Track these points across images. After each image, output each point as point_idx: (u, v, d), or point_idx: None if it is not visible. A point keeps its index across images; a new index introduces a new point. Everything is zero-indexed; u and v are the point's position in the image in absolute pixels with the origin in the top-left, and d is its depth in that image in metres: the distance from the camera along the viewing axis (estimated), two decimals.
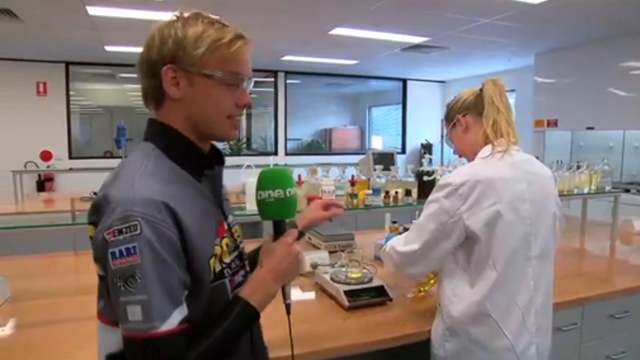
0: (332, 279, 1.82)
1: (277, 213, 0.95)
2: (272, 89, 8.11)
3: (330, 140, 9.86)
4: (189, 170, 0.89)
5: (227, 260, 0.91)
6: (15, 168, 5.38)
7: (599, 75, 5.00)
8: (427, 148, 8.69)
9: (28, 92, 6.64)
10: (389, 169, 2.41)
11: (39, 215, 3.73)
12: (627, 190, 4.54)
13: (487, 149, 1.41)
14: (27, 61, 6.55)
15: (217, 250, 0.89)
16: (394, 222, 2.86)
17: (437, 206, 1.35)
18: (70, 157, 6.92)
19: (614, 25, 4.54)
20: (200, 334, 0.82)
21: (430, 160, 2.43)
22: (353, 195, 2.15)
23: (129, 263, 0.75)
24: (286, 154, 8.37)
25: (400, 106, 9.16)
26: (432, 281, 1.88)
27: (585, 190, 2.69)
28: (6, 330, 1.57)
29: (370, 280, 1.82)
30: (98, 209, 0.81)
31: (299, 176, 2.29)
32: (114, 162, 4.74)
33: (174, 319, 0.77)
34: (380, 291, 1.76)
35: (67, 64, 6.84)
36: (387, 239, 1.79)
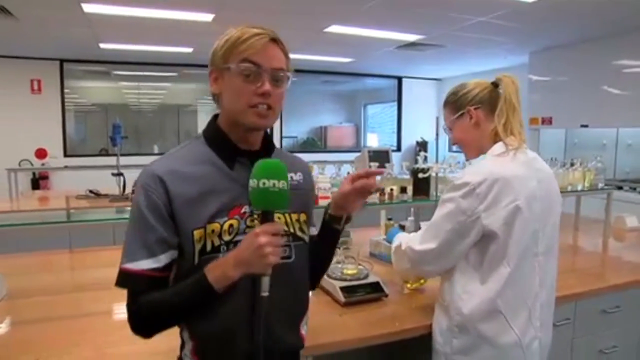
0: (328, 275, 1.83)
1: (260, 202, 0.95)
2: None
3: (326, 138, 9.86)
4: (221, 156, 1.05)
5: (226, 238, 1.00)
6: (9, 166, 5.34)
7: (592, 73, 5.03)
8: (422, 146, 8.72)
9: (22, 90, 6.61)
10: (384, 167, 2.42)
11: (34, 213, 3.71)
12: (620, 188, 4.58)
13: (499, 146, 1.40)
14: (21, 58, 6.51)
15: (215, 226, 0.99)
16: (390, 219, 2.87)
17: (454, 206, 1.33)
18: (65, 155, 6.90)
19: (607, 24, 4.57)
20: None
21: (425, 158, 2.44)
22: None
23: (129, 216, 1.02)
24: None
25: (395, 104, 9.18)
26: (422, 280, 1.90)
27: (579, 188, 2.71)
28: (3, 327, 1.58)
29: (366, 276, 1.83)
30: None
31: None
32: (109, 160, 4.77)
33: (143, 265, 0.97)
34: (375, 287, 1.78)
35: (62, 61, 6.81)
36: (391, 235, 1.78)
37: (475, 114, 1.45)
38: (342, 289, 1.72)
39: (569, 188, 2.67)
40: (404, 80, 9.00)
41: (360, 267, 1.87)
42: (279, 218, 1.05)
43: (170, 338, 1.40)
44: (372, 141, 10.22)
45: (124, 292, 1.81)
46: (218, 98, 1.06)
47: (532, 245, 1.36)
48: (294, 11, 4.20)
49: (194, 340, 1.04)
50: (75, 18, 4.40)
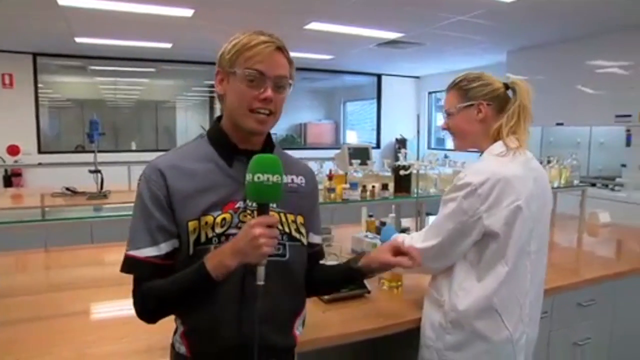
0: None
1: (255, 195, 0.99)
2: None
3: (305, 135, 9.86)
4: (222, 155, 1.10)
5: (218, 231, 1.05)
6: None
7: (568, 73, 5.15)
8: (401, 143, 8.79)
9: None
10: (365, 164, 2.43)
11: (7, 212, 3.61)
12: (593, 185, 4.70)
13: (499, 146, 1.40)
14: None
15: (208, 219, 1.05)
16: (371, 216, 2.89)
17: (456, 206, 1.35)
18: (40, 152, 6.72)
19: (582, 26, 4.68)
20: None
21: (406, 155, 2.47)
22: (331, 190, 2.17)
23: (133, 207, 1.08)
24: None
25: (375, 101, 9.23)
26: (399, 282, 1.92)
27: (555, 185, 2.77)
28: None
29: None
30: None
31: None
32: (86, 157, 4.66)
33: (146, 252, 1.04)
34: (358, 283, 1.78)
35: (35, 55, 6.62)
36: (386, 234, 1.76)
37: (485, 109, 1.43)
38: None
39: None
40: (383, 77, 9.05)
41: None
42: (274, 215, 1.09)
43: (150, 337, 1.40)
44: (352, 138, 10.26)
45: (101, 292, 1.81)
46: (222, 99, 1.11)
47: (526, 244, 1.39)
48: (275, 8, 4.19)
49: (185, 325, 1.10)
50: (50, 11, 4.29)
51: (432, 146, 9.12)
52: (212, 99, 9.28)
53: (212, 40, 5.75)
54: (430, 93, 9.21)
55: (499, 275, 1.35)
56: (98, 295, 1.85)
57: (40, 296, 1.85)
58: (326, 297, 1.70)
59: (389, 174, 2.36)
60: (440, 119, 9.27)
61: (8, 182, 6.38)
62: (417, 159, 2.31)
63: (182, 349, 1.10)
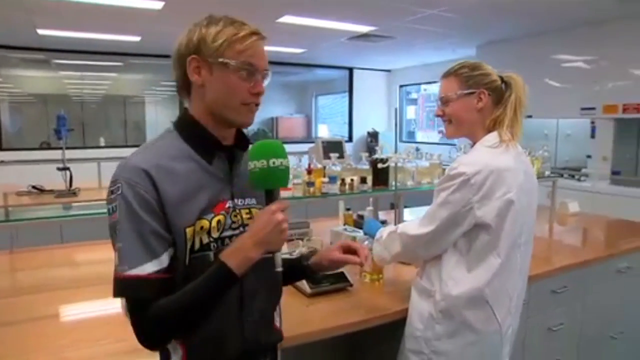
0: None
1: (264, 182, 0.99)
2: None
3: (277, 129, 9.81)
4: (199, 151, 1.00)
5: (215, 235, 0.98)
6: None
7: (535, 67, 5.26)
8: (373, 136, 8.86)
9: None
10: (342, 157, 2.42)
11: None
12: (561, 175, 4.85)
13: (492, 137, 1.41)
14: None
15: (204, 223, 0.97)
16: (348, 209, 2.90)
17: (449, 195, 1.35)
18: (1, 149, 6.46)
19: (547, 20, 4.80)
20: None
21: (382, 149, 2.48)
22: (310, 184, 2.16)
23: (113, 218, 0.92)
24: None
25: (346, 95, 9.25)
26: (380, 275, 1.92)
27: None
28: None
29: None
30: None
31: None
32: (52, 154, 4.51)
33: (147, 268, 0.90)
34: (340, 277, 1.79)
35: None
36: (371, 227, 1.77)
37: (485, 99, 1.43)
38: (308, 279, 1.72)
39: None
40: (355, 71, 9.07)
41: None
42: (247, 213, 1.05)
43: (130, 337, 1.36)
44: (323, 132, 10.27)
45: (76, 293, 1.73)
46: (197, 90, 1.00)
47: (518, 237, 1.41)
48: (248, 0, 4.12)
49: (183, 348, 0.98)
50: (9, 0, 4.10)
51: (404, 139, 9.21)
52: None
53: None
54: (401, 86, 9.30)
55: (491, 267, 1.37)
56: (72, 297, 1.79)
57: (9, 300, 1.78)
58: (309, 291, 1.70)
59: (367, 167, 2.36)
60: (411, 112, 9.37)
61: None
62: (395, 151, 2.32)
63: None
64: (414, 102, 9.43)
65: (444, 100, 1.48)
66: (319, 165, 2.29)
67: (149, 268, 0.90)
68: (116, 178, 0.92)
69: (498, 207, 1.33)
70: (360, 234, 2.40)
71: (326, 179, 2.20)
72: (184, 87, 1.02)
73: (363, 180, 2.31)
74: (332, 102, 10.13)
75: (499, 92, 1.44)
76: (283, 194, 2.04)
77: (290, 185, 2.07)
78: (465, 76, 1.44)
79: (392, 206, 3.51)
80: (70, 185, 3.80)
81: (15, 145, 6.70)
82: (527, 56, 5.39)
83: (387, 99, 9.49)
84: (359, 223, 2.79)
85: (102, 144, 7.18)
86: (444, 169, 2.62)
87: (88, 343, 1.41)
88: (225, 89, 0.98)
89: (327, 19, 4.88)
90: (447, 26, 5.07)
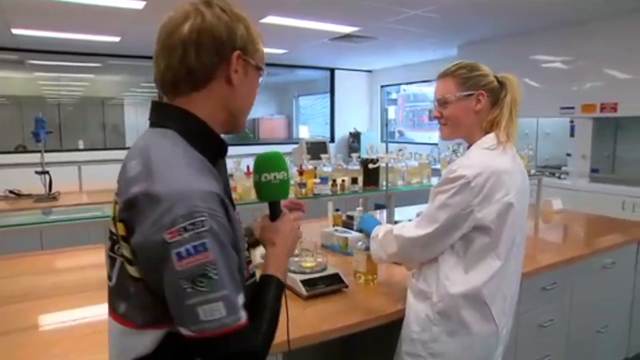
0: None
1: (276, 194, 0.99)
2: None
3: (258, 130, 9.76)
4: (208, 157, 0.85)
5: (246, 254, 0.93)
6: None
7: (515, 66, 5.25)
8: (355, 137, 8.88)
9: None
10: (319, 158, 2.38)
11: None
12: (542, 173, 4.93)
13: (489, 139, 1.40)
14: None
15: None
16: (337, 210, 2.90)
17: (449, 198, 1.34)
18: None
19: (527, 20, 4.87)
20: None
21: (373, 149, 2.48)
22: (302, 185, 2.15)
23: (199, 261, 0.72)
24: None
25: (327, 95, 9.25)
26: (375, 275, 1.92)
27: None
28: None
29: (325, 268, 1.83)
30: (136, 206, 0.75)
31: (247, 167, 2.23)
32: (29, 157, 4.37)
33: (242, 309, 0.77)
34: (336, 279, 1.78)
35: None
36: (367, 223, 1.72)
37: (484, 100, 1.41)
38: (303, 282, 1.71)
39: None
40: (336, 71, 9.08)
41: (317, 259, 1.87)
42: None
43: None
44: (304, 133, 10.25)
45: (61, 301, 1.64)
46: (218, 86, 0.86)
47: (515, 238, 1.41)
48: (231, 1, 4.08)
49: None
50: None
51: (385, 139, 9.26)
52: (161, 95, 8.96)
53: None
54: (382, 87, 9.35)
55: (490, 268, 1.37)
56: (57, 305, 1.73)
57: None
58: (305, 293, 1.68)
59: (358, 167, 2.35)
60: (392, 113, 9.42)
61: None
62: (386, 152, 2.32)
63: None
64: (394, 102, 9.49)
65: (442, 102, 1.45)
66: (310, 167, 2.27)
67: (244, 312, 0.78)
68: (192, 210, 0.72)
69: (498, 210, 1.33)
70: (352, 234, 2.40)
71: (318, 180, 2.19)
72: (199, 76, 0.84)
73: (354, 181, 2.30)
74: (313, 103, 10.12)
75: (496, 93, 1.44)
76: None
77: None
78: (464, 77, 1.42)
79: (377, 207, 3.52)
80: (50, 189, 3.70)
81: None
82: (508, 56, 5.47)
83: (369, 100, 9.52)
84: (348, 224, 2.79)
85: (81, 146, 7.02)
86: (433, 169, 2.65)
87: (78, 353, 1.37)
88: (251, 93, 0.93)
89: (311, 20, 4.86)
90: (429, 27, 5.11)
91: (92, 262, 2.18)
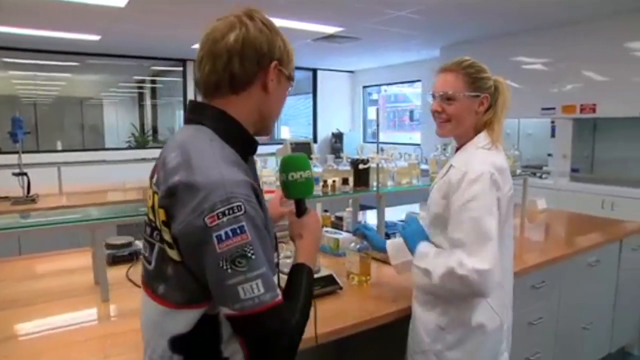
0: (280, 271, 1.78)
1: (302, 192, 1.09)
2: (179, 79, 7.73)
3: None
4: (242, 156, 0.94)
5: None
6: None
7: (496, 68, 5.21)
8: (338, 137, 8.89)
9: None
10: (309, 159, 2.37)
11: None
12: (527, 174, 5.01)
13: (483, 138, 1.42)
14: None
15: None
16: (326, 211, 2.88)
17: (487, 198, 1.30)
18: None
19: (508, 23, 4.95)
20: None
21: (362, 149, 2.47)
22: None
23: (237, 243, 0.79)
24: None
25: (309, 95, 9.23)
26: (368, 276, 1.92)
27: None
28: None
29: (318, 270, 1.81)
30: (177, 193, 0.82)
31: None
32: (5, 159, 4.22)
33: (278, 287, 0.87)
34: (329, 280, 1.76)
35: None
36: (413, 236, 1.50)
37: (486, 103, 1.42)
38: None
39: None
40: (318, 72, 9.07)
41: None
42: None
43: (125, 354, 1.27)
44: (286, 133, 10.20)
45: (41, 309, 1.56)
46: (254, 93, 0.95)
47: (510, 231, 1.45)
48: (213, 1, 4.02)
49: (245, 349, 0.91)
50: None
51: (367, 139, 9.29)
52: (140, 95, 8.83)
53: (145, 33, 5.46)
54: (364, 87, 9.38)
55: None
56: (43, 312, 1.66)
57: None
58: None
59: (348, 168, 2.34)
60: (373, 113, 9.46)
61: None
62: (377, 152, 2.31)
63: None
64: (375, 102, 9.53)
65: (447, 97, 1.40)
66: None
67: (279, 290, 0.87)
68: (230, 196, 0.79)
69: (506, 204, 1.36)
70: (342, 235, 2.39)
71: None
72: (238, 81, 0.93)
73: (344, 182, 2.29)
74: (295, 103, 10.08)
75: (493, 96, 1.46)
76: (267, 195, 2.02)
77: (273, 188, 2.03)
78: (474, 77, 1.40)
79: (362, 207, 3.52)
80: (28, 191, 3.60)
81: None
82: (489, 57, 5.43)
83: (351, 100, 9.55)
84: (337, 224, 2.78)
85: (59, 147, 6.84)
86: (422, 170, 2.66)
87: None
88: (281, 100, 1.02)
89: (295, 20, 4.84)
90: (413, 28, 5.14)
91: (77, 266, 2.12)
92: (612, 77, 4.61)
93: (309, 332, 1.15)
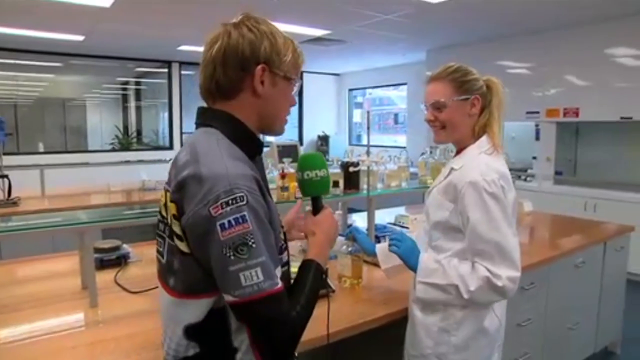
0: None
1: (319, 189, 1.12)
2: (164, 80, 7.65)
3: None
4: (249, 155, 0.98)
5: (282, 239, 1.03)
6: None
7: (481, 71, 5.27)
8: (324, 140, 8.90)
9: None
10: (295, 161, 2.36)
11: None
12: (516, 177, 5.09)
13: (484, 143, 1.41)
14: None
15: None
16: None
17: (501, 204, 1.30)
18: None
19: (493, 27, 5.02)
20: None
21: (352, 152, 2.47)
22: (284, 189, 2.11)
23: (239, 231, 0.82)
24: None
25: (296, 98, 9.19)
26: (360, 279, 1.91)
27: None
28: None
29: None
30: (185, 186, 0.87)
31: (282, 169, 2.18)
32: None
33: (279, 277, 0.88)
34: (322, 283, 1.75)
35: None
36: (405, 245, 1.49)
37: (478, 104, 1.42)
38: None
39: None
40: (305, 74, 9.07)
41: None
42: None
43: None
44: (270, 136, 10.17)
45: (24, 316, 1.52)
46: (247, 97, 0.97)
47: None
48: (200, 1, 4.00)
49: (250, 337, 0.94)
50: None
51: (353, 142, 9.32)
52: (124, 96, 8.72)
53: (130, 34, 5.39)
54: (350, 90, 9.41)
55: None
56: (29, 318, 1.61)
57: None
58: None
59: (339, 170, 2.34)
60: (358, 116, 9.49)
61: None
62: (367, 154, 2.31)
63: None
64: (359, 105, 9.57)
65: (437, 106, 1.43)
66: (292, 170, 2.24)
67: (279, 277, 0.89)
68: (233, 187, 0.84)
69: (511, 213, 1.36)
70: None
71: None
72: (229, 87, 0.96)
73: (335, 184, 2.28)
74: None
75: (485, 97, 1.45)
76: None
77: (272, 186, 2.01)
78: (460, 81, 1.41)
79: (351, 210, 3.52)
80: (9, 194, 3.51)
81: None
82: (475, 61, 5.45)
83: (337, 103, 9.57)
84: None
85: (41, 149, 6.70)
86: (411, 173, 2.67)
87: None
88: (283, 102, 1.02)
89: (282, 23, 4.82)
90: (399, 31, 5.18)
91: (62, 270, 2.07)
92: (594, 82, 4.71)
93: (320, 331, 1.22)
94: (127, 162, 5.55)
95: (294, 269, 1.05)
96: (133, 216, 2.02)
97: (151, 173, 4.37)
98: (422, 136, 5.72)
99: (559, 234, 3.13)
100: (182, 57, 7.14)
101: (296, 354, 1.06)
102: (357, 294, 1.84)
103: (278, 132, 1.06)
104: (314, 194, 1.13)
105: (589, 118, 4.75)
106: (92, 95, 7.38)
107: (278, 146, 3.53)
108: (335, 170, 2.35)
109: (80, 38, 5.49)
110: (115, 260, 2.11)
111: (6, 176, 3.49)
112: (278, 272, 0.88)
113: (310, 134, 9.19)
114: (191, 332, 0.93)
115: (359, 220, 2.89)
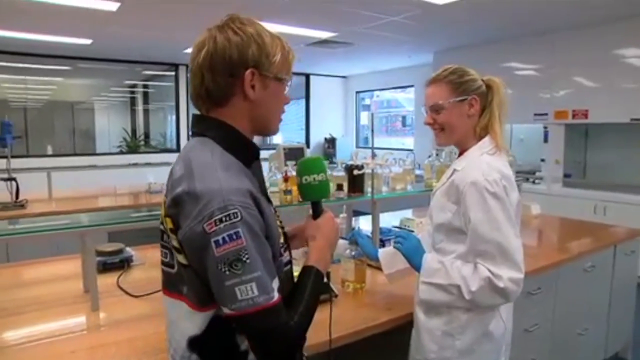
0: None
1: (318, 194, 1.11)
2: (171, 83, 7.69)
3: None
4: (245, 163, 0.97)
5: (281, 241, 1.03)
6: None
7: (489, 73, 5.30)
8: (331, 142, 8.89)
9: None
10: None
11: None
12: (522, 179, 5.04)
13: (487, 143, 1.39)
14: None
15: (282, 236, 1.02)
16: None
17: (503, 205, 1.29)
18: None
19: (501, 29, 4.98)
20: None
21: (357, 155, 2.45)
22: (287, 192, 2.10)
23: (233, 247, 0.83)
24: None
25: (301, 100, 9.22)
26: (363, 283, 1.90)
27: None
28: None
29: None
30: (180, 203, 0.87)
31: (285, 172, 2.17)
32: None
33: (275, 290, 0.87)
34: (325, 288, 1.73)
35: None
36: (415, 252, 1.46)
37: (476, 104, 1.40)
38: None
39: None
40: (311, 77, 9.07)
41: None
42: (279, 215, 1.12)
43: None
44: (278, 138, 10.16)
45: (26, 319, 1.53)
46: (238, 101, 0.95)
47: None
48: (204, 4, 4.00)
49: (251, 344, 0.94)
50: None
51: (360, 145, 9.30)
52: (132, 99, 8.77)
53: (137, 37, 5.43)
54: (357, 92, 9.39)
55: None
56: (31, 321, 1.61)
57: None
58: None
59: (343, 173, 2.32)
60: (365, 118, 9.47)
61: None
62: (373, 157, 2.30)
63: None
64: (367, 108, 9.55)
65: (435, 108, 1.42)
66: (294, 173, 2.22)
67: (275, 289, 0.88)
68: (227, 203, 0.83)
69: (514, 215, 1.33)
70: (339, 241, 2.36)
71: None
72: (220, 94, 0.95)
73: (339, 187, 2.27)
74: (288, 108, 9.95)
75: (484, 97, 1.43)
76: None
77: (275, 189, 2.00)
78: (456, 82, 1.40)
79: (356, 213, 3.50)
80: (17, 197, 3.54)
81: None
82: (482, 63, 5.50)
83: (344, 105, 9.56)
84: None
85: (50, 152, 6.76)
86: (417, 175, 2.64)
87: None
88: (276, 103, 1.01)
89: (289, 25, 4.83)
90: (406, 33, 5.16)
91: (66, 273, 2.07)
92: (604, 83, 4.65)
93: (322, 336, 1.21)
94: (135, 164, 5.59)
95: (296, 273, 1.04)
96: (138, 219, 2.02)
97: (158, 176, 4.37)
98: (429, 139, 5.68)
99: (568, 237, 3.09)
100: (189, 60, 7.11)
101: (305, 354, 1.10)
102: (360, 299, 1.82)
103: (273, 132, 1.05)
104: (313, 198, 1.11)
105: (598, 120, 4.69)
106: (100, 98, 7.44)
107: (284, 149, 3.51)
108: (339, 174, 2.34)
109: (88, 42, 5.54)
110: (118, 264, 2.10)
111: (14, 179, 3.52)
112: (275, 283, 0.88)
113: (318, 137, 9.18)
114: (194, 344, 0.94)
115: (364, 224, 2.87)
